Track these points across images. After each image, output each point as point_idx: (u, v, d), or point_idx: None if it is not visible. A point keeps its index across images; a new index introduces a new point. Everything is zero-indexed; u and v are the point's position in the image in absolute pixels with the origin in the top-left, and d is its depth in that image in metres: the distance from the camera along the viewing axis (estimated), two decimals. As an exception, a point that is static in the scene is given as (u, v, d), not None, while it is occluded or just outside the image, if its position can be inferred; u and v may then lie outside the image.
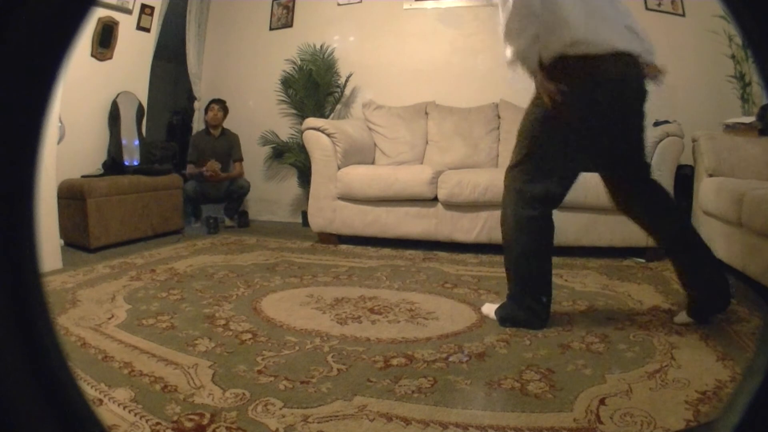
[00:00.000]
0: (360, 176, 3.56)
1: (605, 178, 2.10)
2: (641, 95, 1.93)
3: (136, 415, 1.34)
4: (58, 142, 3.20)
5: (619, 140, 1.94)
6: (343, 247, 3.60)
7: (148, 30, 4.23)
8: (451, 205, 3.36)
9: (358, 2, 4.58)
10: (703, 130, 3.19)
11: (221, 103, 4.47)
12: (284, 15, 4.80)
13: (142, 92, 4.29)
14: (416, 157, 4.07)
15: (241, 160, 4.49)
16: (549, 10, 1.78)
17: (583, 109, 1.85)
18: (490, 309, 2.13)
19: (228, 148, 4.46)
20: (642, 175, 2.03)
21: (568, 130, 1.89)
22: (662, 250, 2.15)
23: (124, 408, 1.38)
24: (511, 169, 2.05)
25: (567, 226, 3.20)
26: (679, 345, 1.80)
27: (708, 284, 1.96)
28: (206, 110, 4.50)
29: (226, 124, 4.53)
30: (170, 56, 5.37)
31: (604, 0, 1.86)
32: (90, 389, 1.48)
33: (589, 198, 3.14)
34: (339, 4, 4.64)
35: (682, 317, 2.03)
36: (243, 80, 4.93)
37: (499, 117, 4.00)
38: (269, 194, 4.84)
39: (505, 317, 2.04)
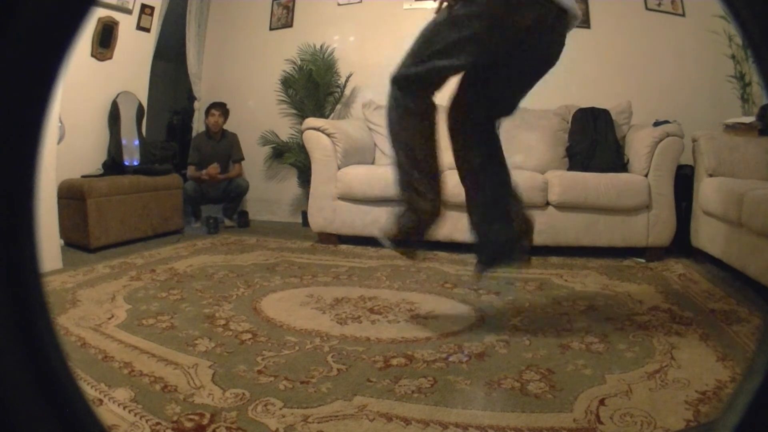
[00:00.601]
0: (360, 176, 3.56)
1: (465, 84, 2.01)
2: (550, 44, 1.84)
3: (136, 415, 1.34)
4: (58, 142, 3.19)
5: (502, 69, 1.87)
6: (343, 247, 3.60)
7: (148, 30, 4.23)
8: (451, 205, 3.35)
9: (358, 2, 4.58)
10: (703, 130, 3.19)
11: (222, 108, 4.45)
12: (284, 15, 4.80)
13: (142, 92, 4.29)
14: (416, 157, 4.06)
15: (240, 160, 4.48)
16: None
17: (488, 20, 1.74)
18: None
19: (229, 149, 4.46)
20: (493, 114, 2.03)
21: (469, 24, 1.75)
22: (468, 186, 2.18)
23: (124, 408, 1.38)
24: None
25: (567, 226, 3.20)
26: (679, 345, 1.80)
27: (490, 233, 2.01)
28: (207, 114, 4.48)
29: (226, 125, 4.53)
30: (170, 56, 5.37)
31: None
32: (90, 389, 1.48)
33: (589, 198, 3.14)
34: (339, 4, 4.64)
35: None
36: (243, 80, 4.92)
37: (499, 117, 4.00)
38: (269, 194, 4.84)
39: (388, 232, 1.99)
